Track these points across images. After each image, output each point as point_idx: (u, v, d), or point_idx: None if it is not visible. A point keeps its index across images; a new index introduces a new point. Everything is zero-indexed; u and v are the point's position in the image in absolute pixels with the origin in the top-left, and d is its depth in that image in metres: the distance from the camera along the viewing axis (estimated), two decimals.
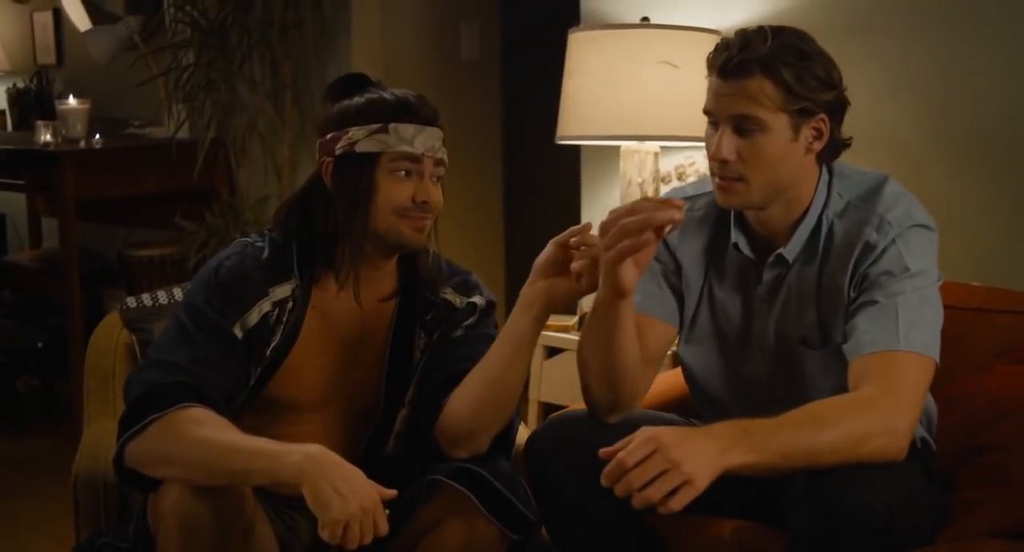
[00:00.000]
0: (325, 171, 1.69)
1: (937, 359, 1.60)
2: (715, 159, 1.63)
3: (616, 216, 1.52)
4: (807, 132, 1.62)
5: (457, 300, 1.77)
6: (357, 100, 1.69)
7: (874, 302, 1.60)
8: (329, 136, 1.69)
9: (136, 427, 1.54)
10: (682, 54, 2.44)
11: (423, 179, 1.67)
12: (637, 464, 1.41)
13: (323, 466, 1.45)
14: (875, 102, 2.49)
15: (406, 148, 1.65)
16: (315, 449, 1.47)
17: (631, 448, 1.42)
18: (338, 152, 1.67)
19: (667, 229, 1.52)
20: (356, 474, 1.47)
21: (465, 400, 1.65)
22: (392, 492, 1.49)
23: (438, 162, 1.69)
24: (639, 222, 1.49)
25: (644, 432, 1.44)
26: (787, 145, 1.62)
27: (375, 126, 1.65)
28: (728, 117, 1.61)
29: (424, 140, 1.66)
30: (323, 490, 1.43)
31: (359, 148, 1.65)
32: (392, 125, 1.65)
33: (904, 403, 1.53)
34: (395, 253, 1.73)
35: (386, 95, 1.69)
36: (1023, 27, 2.32)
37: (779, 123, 1.60)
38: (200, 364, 1.59)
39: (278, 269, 1.69)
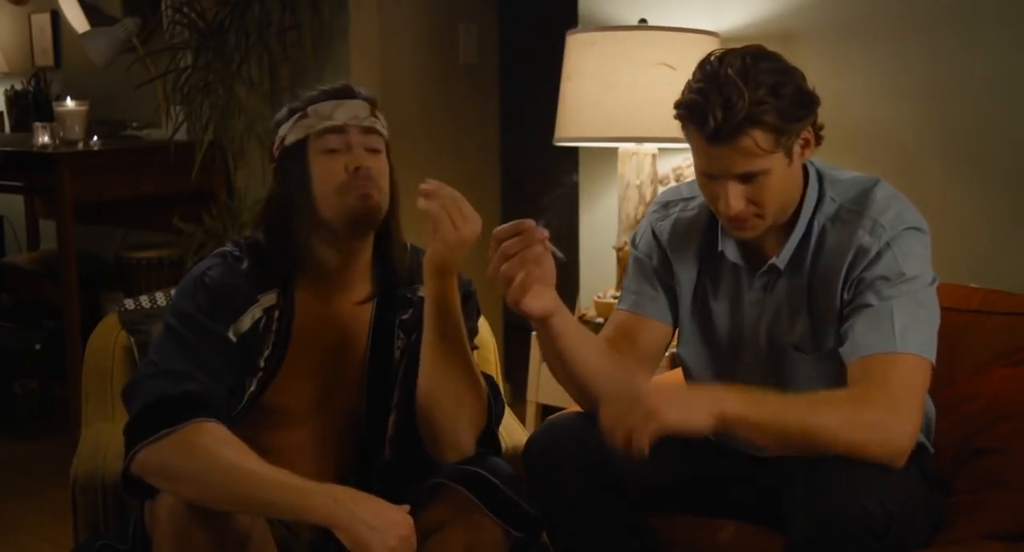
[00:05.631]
0: (273, 178, 1.72)
1: (933, 360, 1.60)
2: (728, 215, 1.64)
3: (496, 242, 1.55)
4: (796, 149, 1.63)
5: None
6: None
7: (868, 305, 1.60)
8: (271, 149, 1.73)
9: (152, 438, 1.51)
10: (680, 56, 2.44)
11: (351, 149, 1.66)
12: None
13: (350, 510, 1.44)
14: (873, 104, 2.49)
15: (327, 123, 1.66)
16: (340, 492, 1.47)
17: None
18: (275, 155, 1.70)
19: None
20: (383, 505, 1.47)
21: (423, 386, 1.66)
22: (407, 508, 1.50)
23: (366, 130, 1.68)
24: (520, 242, 1.55)
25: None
26: (786, 171, 1.62)
27: (296, 116, 1.68)
28: (730, 175, 1.61)
29: (345, 111, 1.67)
30: (359, 532, 1.43)
31: (288, 141, 1.68)
32: (310, 107, 1.67)
33: (901, 404, 1.52)
34: (358, 234, 1.69)
35: (311, 92, 1.71)
36: (1019, 30, 2.33)
37: (776, 160, 1.60)
38: (206, 372, 1.58)
39: (260, 277, 1.69)
